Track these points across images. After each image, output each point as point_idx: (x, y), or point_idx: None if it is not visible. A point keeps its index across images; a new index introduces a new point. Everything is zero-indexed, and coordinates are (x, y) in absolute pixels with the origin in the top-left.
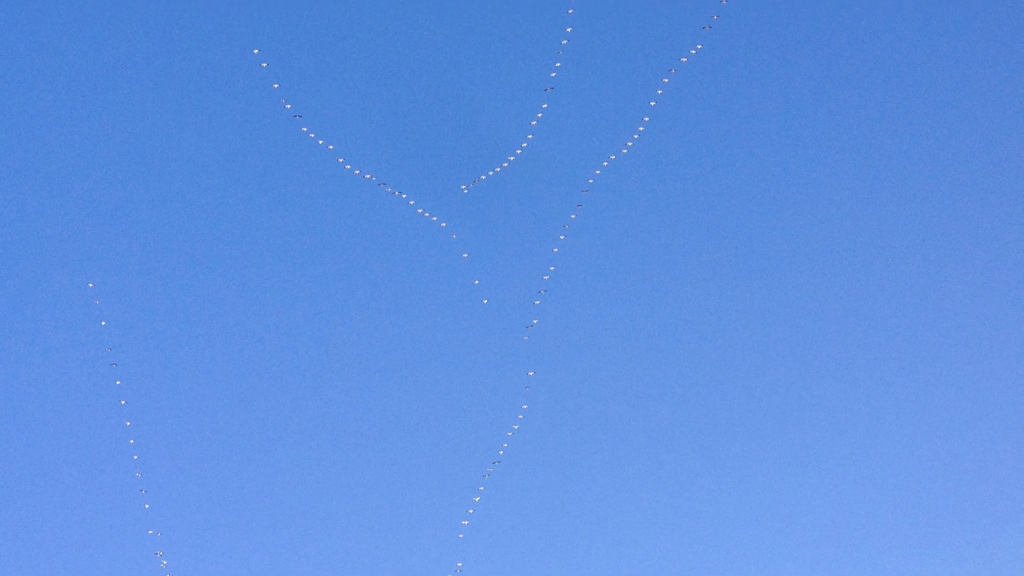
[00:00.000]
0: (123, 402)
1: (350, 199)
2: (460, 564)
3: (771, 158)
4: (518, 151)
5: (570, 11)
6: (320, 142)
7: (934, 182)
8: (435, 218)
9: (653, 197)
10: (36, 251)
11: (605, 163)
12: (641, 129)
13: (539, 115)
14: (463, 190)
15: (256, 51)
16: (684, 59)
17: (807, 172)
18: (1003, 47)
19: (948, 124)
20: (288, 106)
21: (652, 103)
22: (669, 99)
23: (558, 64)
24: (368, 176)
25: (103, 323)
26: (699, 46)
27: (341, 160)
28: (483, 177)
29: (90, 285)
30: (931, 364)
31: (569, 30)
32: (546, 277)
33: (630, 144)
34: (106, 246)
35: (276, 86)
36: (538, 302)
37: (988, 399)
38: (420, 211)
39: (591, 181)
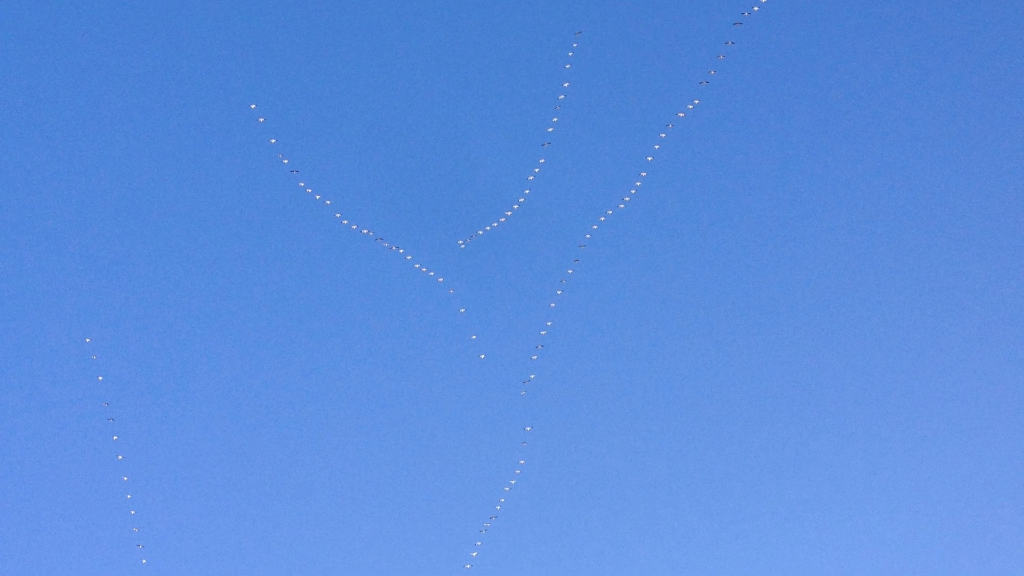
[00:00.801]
0: (120, 457)
1: (347, 254)
2: None
3: (767, 214)
4: (515, 206)
5: (567, 66)
6: (317, 197)
7: (920, 249)
8: (432, 273)
9: (650, 252)
10: (35, 306)
11: (602, 218)
12: (638, 184)
13: (536, 170)
14: (460, 245)
15: (253, 106)
16: (681, 114)
17: (803, 230)
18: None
19: (934, 194)
20: (285, 161)
21: (649, 158)
22: (666, 154)
23: (555, 119)
24: (365, 231)
25: (100, 378)
26: (696, 101)
27: (338, 215)
28: (480, 232)
29: (87, 340)
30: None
31: (566, 85)
32: (543, 332)
33: (627, 199)
34: (105, 302)
35: (273, 141)
36: (535, 356)
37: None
38: (417, 266)
39: (588, 236)
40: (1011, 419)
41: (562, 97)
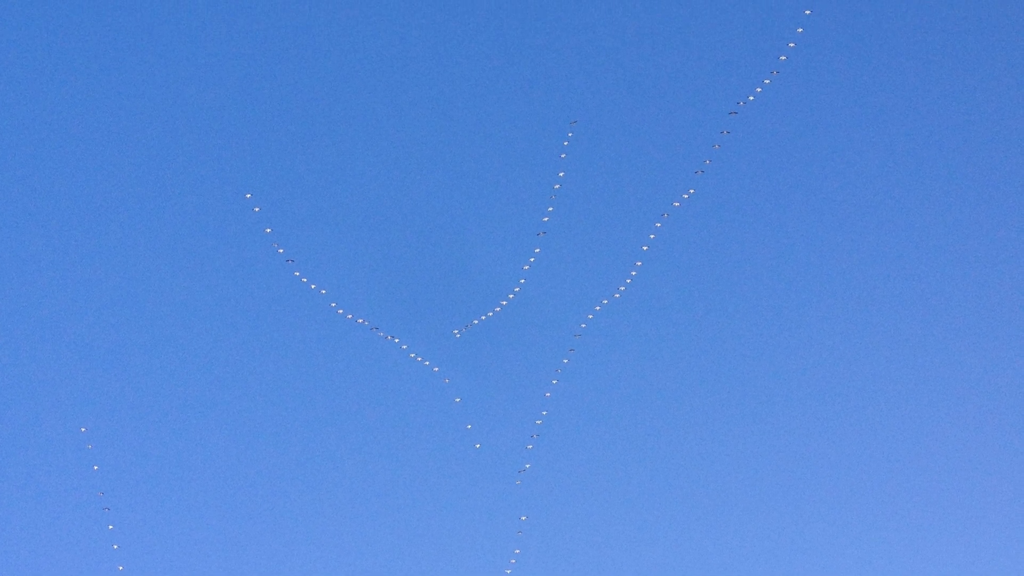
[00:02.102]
0: (115, 546)
1: (342, 343)
2: None
3: (764, 304)
4: (510, 295)
5: (562, 155)
6: (312, 286)
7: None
8: (428, 363)
9: (646, 341)
10: (32, 396)
11: (597, 307)
12: (633, 274)
13: (531, 259)
14: (455, 335)
15: (248, 195)
16: (676, 203)
17: (801, 320)
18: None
19: (930, 285)
20: (281, 251)
21: (644, 247)
22: (661, 243)
23: (551, 208)
24: (360, 321)
25: (95, 468)
26: (691, 190)
27: (334, 305)
28: (476, 322)
29: (83, 430)
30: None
31: (561, 174)
32: (539, 422)
33: (622, 288)
34: (100, 389)
35: (268, 231)
36: (531, 447)
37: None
38: (413, 356)
39: (583, 325)
40: (1010, 420)
41: (557, 186)
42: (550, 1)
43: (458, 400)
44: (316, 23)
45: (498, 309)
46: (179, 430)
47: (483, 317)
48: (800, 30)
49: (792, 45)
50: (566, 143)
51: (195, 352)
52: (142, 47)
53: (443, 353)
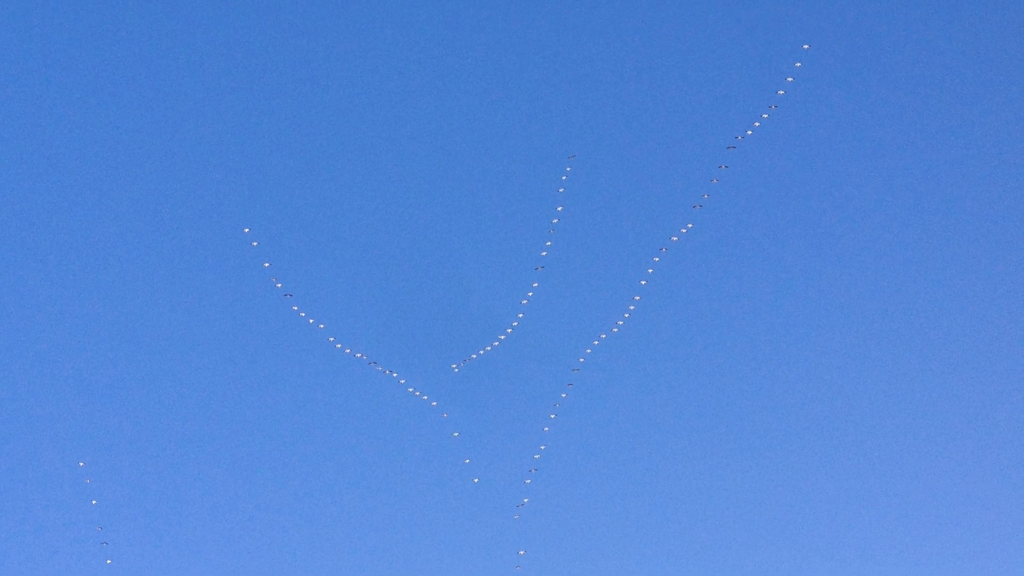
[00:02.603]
0: None
1: (340, 378)
2: None
3: (761, 339)
4: (509, 330)
5: (560, 190)
6: (311, 321)
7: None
8: (425, 397)
9: (644, 376)
10: (30, 430)
11: (596, 342)
12: (632, 308)
13: (529, 294)
14: (453, 369)
15: (247, 230)
16: (674, 238)
17: (799, 354)
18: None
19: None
20: (279, 285)
21: (643, 282)
22: (659, 278)
23: (549, 243)
24: (359, 355)
25: (94, 502)
26: (689, 225)
27: (332, 339)
28: (474, 356)
29: (80, 464)
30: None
31: (560, 208)
32: (537, 456)
33: (620, 323)
34: (101, 426)
35: (267, 265)
36: (529, 481)
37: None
38: (411, 390)
39: (582, 360)
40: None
41: (556, 220)
42: (549, 37)
43: (456, 434)
44: (319, 58)
45: (496, 343)
46: (178, 463)
47: (481, 351)
48: (798, 64)
49: (790, 80)
50: (564, 178)
51: (194, 386)
52: (142, 78)
53: (441, 387)
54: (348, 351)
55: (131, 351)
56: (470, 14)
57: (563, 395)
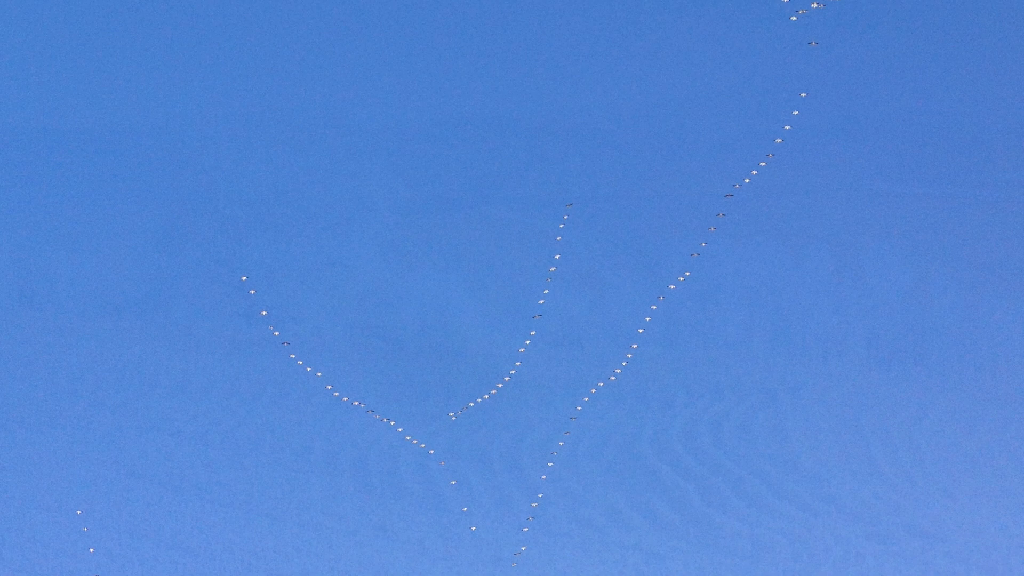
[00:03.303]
0: None
1: (338, 425)
2: None
3: (758, 388)
4: (506, 378)
5: (558, 239)
6: (308, 369)
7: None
8: (423, 445)
9: (638, 426)
10: (25, 485)
11: (593, 390)
12: (629, 356)
13: (527, 342)
14: (451, 417)
15: (244, 278)
16: (672, 286)
17: (796, 402)
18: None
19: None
20: (276, 333)
21: (640, 330)
22: (657, 326)
23: (546, 291)
24: (356, 403)
25: (91, 550)
26: (687, 273)
27: (329, 387)
28: (471, 404)
29: (78, 512)
30: None
31: (557, 257)
32: (534, 504)
33: (618, 371)
34: (99, 475)
35: (264, 313)
36: (526, 529)
37: None
38: (408, 438)
39: (579, 408)
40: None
41: (553, 269)
42: (547, 84)
43: (453, 483)
44: (319, 105)
45: (494, 392)
46: (177, 511)
47: (479, 400)
48: (796, 112)
49: (788, 128)
50: (562, 226)
51: (193, 434)
52: (140, 128)
53: (439, 436)
54: (345, 399)
55: (130, 399)
56: (462, 73)
57: (560, 443)
